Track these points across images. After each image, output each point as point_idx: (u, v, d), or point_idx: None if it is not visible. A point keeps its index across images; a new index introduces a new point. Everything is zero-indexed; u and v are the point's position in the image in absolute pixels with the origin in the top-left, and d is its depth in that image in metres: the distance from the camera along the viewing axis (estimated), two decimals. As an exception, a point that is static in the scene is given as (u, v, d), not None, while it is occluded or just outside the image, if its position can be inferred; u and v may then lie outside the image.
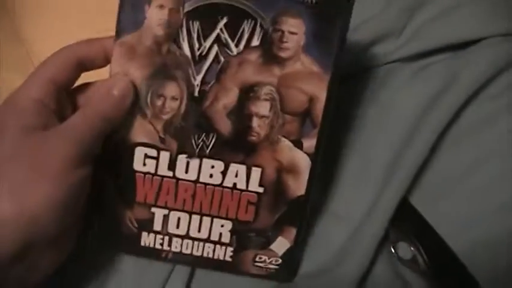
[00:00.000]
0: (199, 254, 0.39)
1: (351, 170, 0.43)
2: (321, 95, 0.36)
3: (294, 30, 0.35)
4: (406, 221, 0.41)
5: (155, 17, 0.35)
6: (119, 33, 0.35)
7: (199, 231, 0.38)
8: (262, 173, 0.37)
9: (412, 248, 0.41)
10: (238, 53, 0.36)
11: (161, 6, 0.35)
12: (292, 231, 0.39)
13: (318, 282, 0.41)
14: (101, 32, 0.37)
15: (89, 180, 0.34)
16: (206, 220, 0.38)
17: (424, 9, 0.44)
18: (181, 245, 0.39)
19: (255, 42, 0.35)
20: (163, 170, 0.37)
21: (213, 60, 0.36)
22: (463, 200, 0.41)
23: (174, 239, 0.39)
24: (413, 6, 0.44)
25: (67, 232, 0.34)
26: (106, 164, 0.37)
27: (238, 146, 0.37)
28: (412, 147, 0.41)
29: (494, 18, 0.43)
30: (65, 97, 0.36)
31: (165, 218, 0.38)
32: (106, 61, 0.37)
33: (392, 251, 0.42)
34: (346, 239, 0.42)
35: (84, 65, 0.36)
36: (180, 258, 0.39)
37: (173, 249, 0.39)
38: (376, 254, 0.41)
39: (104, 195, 0.38)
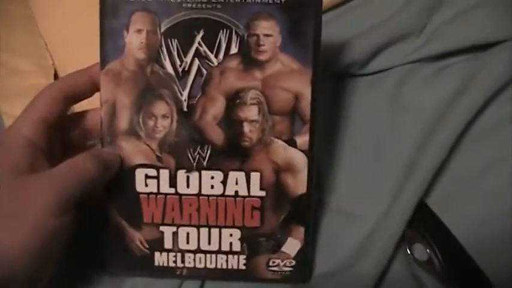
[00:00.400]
0: (212, 266, 0.39)
1: (368, 170, 0.44)
2: (306, 90, 0.37)
3: (269, 32, 0.36)
4: (422, 222, 0.41)
5: (135, 42, 0.37)
6: (103, 62, 0.37)
7: (209, 243, 0.39)
8: (261, 176, 0.38)
9: (428, 250, 0.41)
10: (219, 63, 0.37)
11: (139, 31, 0.36)
12: (301, 230, 0.39)
13: (334, 282, 0.41)
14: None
15: (69, 227, 0.34)
16: (214, 231, 0.39)
17: (442, 9, 0.45)
18: (194, 260, 0.39)
19: (234, 49, 0.36)
20: (165, 187, 0.38)
21: (196, 74, 0.37)
22: (478, 201, 0.41)
23: (187, 255, 0.39)
24: (432, 6, 0.45)
25: (39, 276, 0.34)
26: (108, 190, 0.38)
27: (233, 154, 0.37)
28: (431, 148, 0.42)
29: None
30: (55, 135, 0.37)
31: (175, 235, 0.39)
32: (94, 89, 0.38)
33: (408, 252, 0.41)
34: (363, 239, 0.42)
35: (73, 98, 0.38)
36: (194, 273, 0.39)
37: (187, 264, 0.39)
38: (393, 255, 0.41)
39: (109, 221, 0.38)
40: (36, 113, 0.36)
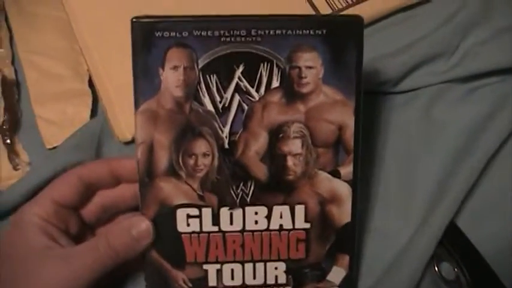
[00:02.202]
0: (258, 299, 0.39)
1: (401, 189, 0.45)
2: (349, 121, 0.37)
3: (311, 64, 0.36)
4: (451, 241, 0.43)
5: (171, 79, 0.36)
6: (137, 102, 0.36)
7: (254, 278, 0.39)
8: (305, 209, 0.38)
9: (455, 269, 0.42)
10: (260, 98, 0.36)
11: (175, 67, 0.35)
12: (346, 258, 0.39)
13: None
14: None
15: None
16: (259, 266, 0.39)
17: (476, 30, 0.46)
18: (240, 295, 0.39)
19: (275, 83, 0.36)
20: (208, 226, 0.38)
21: (237, 110, 0.36)
22: (507, 222, 0.43)
23: (232, 291, 0.39)
24: (466, 26, 0.46)
25: None
26: None
27: (277, 188, 0.38)
28: (463, 169, 0.43)
29: None
30: (73, 216, 0.38)
31: (219, 272, 0.39)
32: (114, 181, 0.39)
33: (436, 270, 0.43)
34: (394, 258, 0.43)
35: (93, 186, 0.38)
36: (239, 307, 0.40)
37: (232, 300, 0.39)
38: (422, 274, 0.42)
39: (151, 263, 0.38)
40: (50, 195, 0.37)
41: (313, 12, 0.50)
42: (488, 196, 0.44)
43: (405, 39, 0.46)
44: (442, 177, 0.44)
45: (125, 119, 0.44)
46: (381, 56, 0.45)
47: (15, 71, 0.50)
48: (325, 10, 0.49)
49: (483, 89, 0.46)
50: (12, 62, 0.50)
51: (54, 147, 0.46)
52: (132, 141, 0.44)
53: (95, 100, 0.48)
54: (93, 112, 0.48)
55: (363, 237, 0.44)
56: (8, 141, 0.46)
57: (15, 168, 0.45)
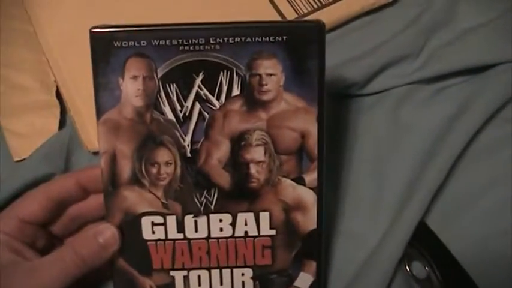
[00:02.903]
0: (226, 306, 0.40)
1: (368, 191, 0.45)
2: (312, 128, 0.37)
3: (271, 71, 0.36)
4: (421, 240, 0.43)
5: (131, 89, 0.36)
6: (99, 112, 0.37)
7: (221, 284, 0.40)
8: (270, 216, 0.38)
9: (426, 268, 0.43)
10: (221, 106, 0.37)
11: (135, 77, 0.36)
12: (312, 265, 0.40)
13: None
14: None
15: None
16: (226, 272, 0.39)
17: (440, 32, 0.47)
18: (207, 302, 0.40)
19: (236, 91, 0.36)
20: (173, 233, 0.38)
21: (198, 118, 0.37)
22: (477, 220, 0.43)
23: (199, 297, 0.40)
24: (430, 28, 0.47)
25: None
26: None
27: (241, 196, 0.38)
28: (431, 169, 0.43)
29: (510, 45, 0.45)
30: (43, 232, 0.39)
31: (186, 279, 0.39)
32: (83, 194, 0.39)
33: (408, 269, 0.43)
34: (364, 260, 0.43)
35: (62, 202, 0.39)
36: (208, 314, 0.40)
37: (199, 307, 0.40)
38: (394, 274, 0.42)
39: (118, 270, 0.39)
40: (16, 213, 0.37)
41: (279, 17, 0.50)
42: (457, 196, 0.45)
43: (370, 42, 0.46)
44: (410, 178, 0.44)
45: (93, 128, 0.45)
46: (347, 59, 0.46)
47: (-18, 82, 0.50)
48: (290, 15, 0.50)
49: (449, 90, 0.47)
50: (-22, 75, 0.50)
51: (23, 159, 0.46)
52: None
53: (63, 111, 0.48)
54: (61, 123, 0.48)
55: (332, 240, 0.45)
56: (-25, 153, 0.46)
57: (-18, 181, 0.46)
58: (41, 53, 0.48)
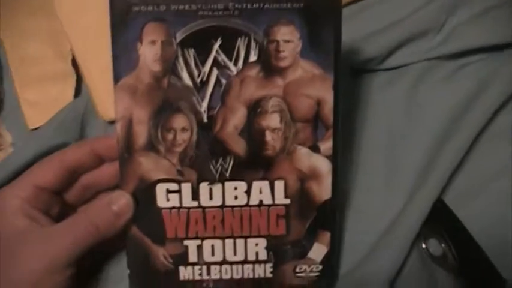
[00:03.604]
0: (239, 276, 0.41)
1: (384, 168, 0.46)
2: (328, 96, 0.38)
3: (288, 38, 0.37)
4: (438, 218, 0.44)
5: (149, 54, 0.37)
6: (116, 76, 0.37)
7: (235, 254, 0.40)
8: (285, 184, 0.39)
9: (442, 245, 0.44)
10: (238, 72, 0.37)
11: (153, 42, 0.37)
12: (327, 235, 0.40)
13: (352, 279, 0.43)
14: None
15: (71, 279, 0.36)
16: (240, 242, 0.40)
17: (462, 8, 0.47)
18: (221, 272, 0.41)
19: (253, 57, 0.37)
20: (188, 201, 0.39)
21: (215, 84, 0.37)
22: (494, 199, 0.44)
23: (212, 267, 0.40)
24: (451, 4, 0.47)
25: None
26: None
27: (256, 163, 0.39)
28: (449, 147, 0.44)
29: None
30: (57, 199, 0.39)
31: (199, 248, 0.40)
32: (97, 162, 0.40)
33: (424, 246, 0.44)
34: (380, 237, 0.44)
35: (76, 169, 0.40)
36: (221, 284, 0.41)
37: (213, 277, 0.41)
38: (409, 250, 0.43)
39: (131, 238, 0.39)
40: (31, 179, 0.38)
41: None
42: (475, 175, 0.46)
43: (391, 17, 0.47)
44: (428, 156, 0.45)
45: (109, 97, 0.45)
46: (366, 33, 0.47)
47: (-3, 52, 0.51)
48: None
49: (469, 67, 0.47)
50: (-6, 44, 0.51)
51: (38, 128, 0.47)
52: (116, 120, 0.45)
53: (79, 80, 0.49)
54: (77, 92, 0.49)
55: (348, 216, 0.46)
56: (-9, 121, 0.47)
57: (-2, 149, 0.46)
58: (57, 22, 0.49)
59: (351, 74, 0.48)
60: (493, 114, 0.45)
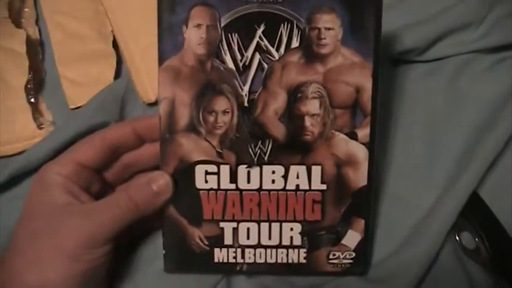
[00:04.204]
0: (273, 261, 0.42)
1: (423, 157, 0.48)
2: (367, 83, 0.39)
3: (330, 25, 0.38)
4: (472, 210, 0.45)
5: (194, 37, 0.38)
6: (161, 58, 0.39)
7: (270, 238, 0.41)
8: (322, 170, 0.40)
9: (476, 239, 0.45)
10: (280, 57, 0.39)
11: (198, 25, 0.38)
12: (361, 223, 0.41)
13: (385, 268, 0.45)
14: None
15: (109, 255, 0.38)
16: (275, 226, 0.41)
17: (503, 2, 0.48)
18: (255, 255, 0.42)
19: (295, 43, 0.39)
20: (226, 183, 0.40)
21: (257, 68, 0.39)
22: None
23: (247, 250, 0.41)
24: None
25: None
26: None
27: (294, 148, 0.40)
28: (487, 140, 0.46)
29: None
30: (97, 177, 0.41)
31: (235, 230, 0.41)
32: (138, 142, 0.42)
33: (457, 239, 0.45)
34: (416, 226, 0.45)
35: (117, 148, 0.41)
36: (254, 268, 0.42)
37: (247, 260, 0.42)
38: (443, 243, 0.44)
39: (168, 219, 0.41)
40: (73, 156, 0.40)
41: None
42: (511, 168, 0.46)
43: (432, 8, 0.48)
44: (465, 148, 0.46)
45: (149, 80, 0.47)
46: (408, 24, 0.48)
47: (40, 30, 0.53)
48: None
49: (509, 61, 0.48)
50: (36, 22, 0.53)
51: (78, 107, 0.49)
52: (156, 103, 0.47)
53: (119, 61, 0.51)
54: (117, 73, 0.51)
55: (384, 204, 0.47)
56: (32, 100, 0.49)
57: (39, 127, 0.48)
58: (99, 2, 0.51)
59: (390, 64, 0.49)
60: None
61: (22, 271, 0.36)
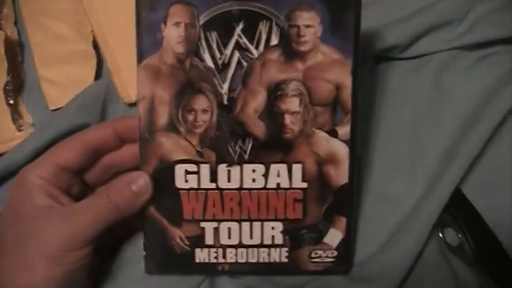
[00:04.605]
0: (254, 260, 0.42)
1: (406, 155, 0.48)
2: (347, 81, 0.40)
3: (309, 23, 0.39)
4: (456, 207, 0.46)
5: (173, 35, 0.39)
6: (140, 57, 0.39)
7: (251, 237, 0.41)
8: (303, 168, 0.41)
9: (459, 235, 0.45)
10: (259, 55, 0.39)
11: (177, 24, 0.39)
12: (343, 221, 0.41)
13: (370, 265, 0.45)
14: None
15: (90, 257, 0.38)
16: (256, 225, 0.41)
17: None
18: (236, 255, 0.42)
19: (274, 41, 0.39)
20: (206, 183, 0.40)
21: (237, 66, 0.39)
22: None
23: (228, 250, 0.42)
24: None
25: None
26: None
27: (275, 146, 0.40)
28: (471, 137, 0.46)
29: None
30: (77, 179, 0.41)
31: (216, 230, 0.41)
32: (118, 143, 0.42)
33: (441, 236, 0.46)
34: (398, 224, 0.46)
35: (97, 150, 0.41)
36: (236, 268, 0.42)
37: (228, 260, 0.42)
38: (427, 240, 0.45)
39: (148, 219, 0.41)
40: (52, 159, 0.40)
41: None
42: (495, 165, 0.47)
43: (415, 5, 0.49)
44: (449, 145, 0.47)
45: (129, 80, 0.47)
46: (390, 21, 0.49)
47: (19, 32, 0.53)
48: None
49: (492, 57, 0.49)
50: (15, 23, 0.53)
51: (58, 109, 0.49)
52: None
53: (100, 62, 0.51)
54: (98, 74, 0.51)
55: (366, 202, 0.47)
56: (12, 101, 0.50)
57: (18, 129, 0.48)
58: (79, 3, 0.51)
59: (373, 61, 0.50)
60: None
61: (14, 271, 0.36)
